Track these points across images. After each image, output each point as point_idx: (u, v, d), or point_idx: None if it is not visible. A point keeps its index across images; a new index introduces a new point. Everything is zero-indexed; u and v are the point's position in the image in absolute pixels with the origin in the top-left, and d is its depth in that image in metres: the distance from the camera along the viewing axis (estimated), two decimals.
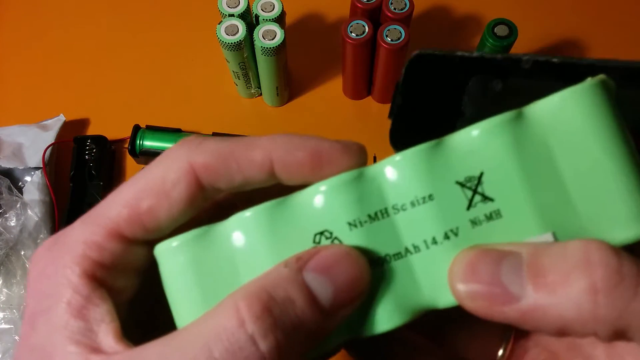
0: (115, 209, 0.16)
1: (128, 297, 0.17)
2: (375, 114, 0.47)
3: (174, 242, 0.16)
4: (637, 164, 0.15)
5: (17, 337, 0.37)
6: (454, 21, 0.51)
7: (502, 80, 0.31)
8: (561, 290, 0.13)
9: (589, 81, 0.15)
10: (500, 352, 0.19)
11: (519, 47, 0.47)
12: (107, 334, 0.15)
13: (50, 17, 0.53)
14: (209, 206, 0.19)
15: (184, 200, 0.16)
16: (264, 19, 0.40)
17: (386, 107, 0.47)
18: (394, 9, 0.40)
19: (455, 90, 0.33)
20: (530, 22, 0.48)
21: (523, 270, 0.14)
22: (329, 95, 0.48)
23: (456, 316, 0.20)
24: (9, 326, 0.37)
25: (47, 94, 0.49)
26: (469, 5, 0.51)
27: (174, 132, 0.44)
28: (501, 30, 0.39)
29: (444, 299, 0.15)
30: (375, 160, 0.38)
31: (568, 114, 0.15)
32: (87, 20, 0.53)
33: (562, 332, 0.14)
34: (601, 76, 0.15)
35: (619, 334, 0.13)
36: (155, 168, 0.16)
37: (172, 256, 0.16)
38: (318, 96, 0.48)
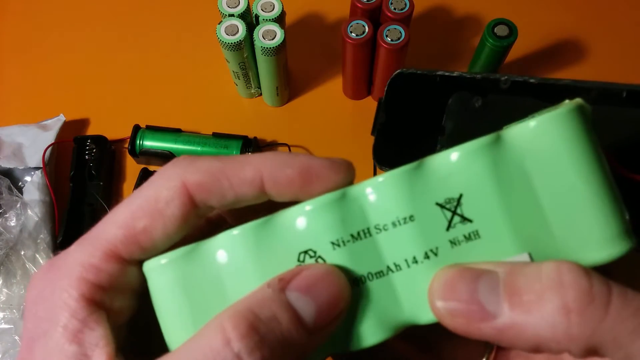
0: (111, 230, 0.16)
1: (127, 318, 0.17)
2: (374, 114, 0.47)
3: (162, 260, 0.16)
4: (611, 188, 0.15)
5: (17, 337, 0.37)
6: (454, 21, 0.51)
7: (482, 97, 0.31)
8: (536, 310, 0.14)
9: (566, 106, 0.15)
10: None
11: (519, 47, 0.47)
12: (100, 358, 0.15)
13: (51, 17, 0.53)
14: (202, 224, 0.19)
15: (178, 218, 0.16)
16: (264, 19, 0.40)
17: None
18: (394, 9, 0.40)
19: (437, 106, 0.33)
20: (530, 22, 0.48)
21: (499, 288, 0.14)
22: (329, 95, 0.48)
23: (439, 325, 0.20)
24: (9, 326, 0.37)
25: (47, 94, 0.49)
26: (469, 5, 0.51)
27: (174, 132, 0.44)
28: (501, 30, 0.39)
29: (425, 316, 0.16)
30: (374, 163, 0.38)
31: (544, 139, 0.15)
32: (87, 20, 0.53)
33: (536, 349, 0.14)
34: (577, 100, 0.16)
35: (591, 351, 0.14)
36: (148, 188, 0.17)
37: (160, 273, 0.16)
38: (318, 96, 0.48)
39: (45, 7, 0.53)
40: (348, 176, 0.17)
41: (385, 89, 0.32)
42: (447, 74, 0.30)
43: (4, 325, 0.38)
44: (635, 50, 0.48)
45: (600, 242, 0.15)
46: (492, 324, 0.14)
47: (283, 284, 0.15)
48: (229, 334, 0.14)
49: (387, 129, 0.34)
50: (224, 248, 0.16)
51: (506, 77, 0.29)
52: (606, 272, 0.15)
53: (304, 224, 0.16)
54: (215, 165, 0.16)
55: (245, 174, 0.16)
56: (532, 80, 0.28)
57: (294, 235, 0.16)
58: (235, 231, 0.16)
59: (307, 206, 0.16)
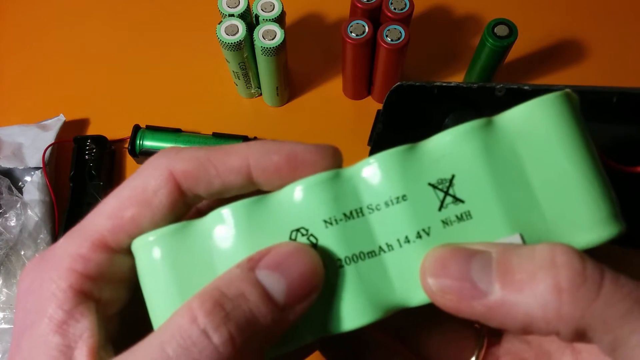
0: (99, 220, 0.16)
1: (118, 309, 0.17)
2: (375, 114, 0.47)
3: (150, 237, 0.16)
4: (600, 172, 0.16)
5: None
6: (454, 21, 0.51)
7: (478, 115, 0.33)
8: (528, 288, 0.14)
9: (554, 93, 0.16)
10: (473, 359, 0.20)
11: (519, 47, 0.47)
12: (82, 350, 0.15)
13: (50, 16, 0.53)
14: (191, 214, 0.19)
15: (166, 207, 0.16)
16: (264, 19, 0.40)
17: None
18: (394, 9, 0.40)
19: (434, 118, 0.34)
20: (531, 22, 0.48)
21: (492, 268, 0.14)
22: (329, 95, 0.48)
23: (430, 323, 0.21)
24: (9, 326, 0.37)
25: (47, 94, 0.49)
26: (469, 5, 0.51)
27: (174, 132, 0.44)
28: (501, 30, 0.39)
29: (416, 297, 0.16)
30: None
31: (535, 123, 0.16)
32: (87, 20, 0.53)
33: (526, 329, 0.14)
34: (566, 90, 0.16)
35: (580, 334, 0.14)
36: (136, 178, 0.17)
37: (148, 251, 0.16)
38: (318, 96, 0.48)
39: (45, 7, 0.53)
40: (334, 161, 0.17)
41: (384, 100, 0.32)
42: (444, 84, 0.31)
43: (4, 325, 0.38)
44: (636, 50, 0.48)
45: (590, 225, 0.15)
46: (483, 302, 0.14)
47: (252, 263, 0.15)
48: (195, 312, 0.14)
49: (383, 139, 0.34)
50: (214, 226, 0.16)
51: (501, 85, 0.30)
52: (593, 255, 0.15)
53: (297, 201, 0.16)
54: (201, 153, 0.17)
55: (231, 161, 0.16)
56: (526, 87, 0.29)
57: (286, 213, 0.16)
58: (226, 209, 0.16)
59: (300, 184, 0.16)
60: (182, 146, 0.43)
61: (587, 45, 0.49)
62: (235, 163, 0.16)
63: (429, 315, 0.19)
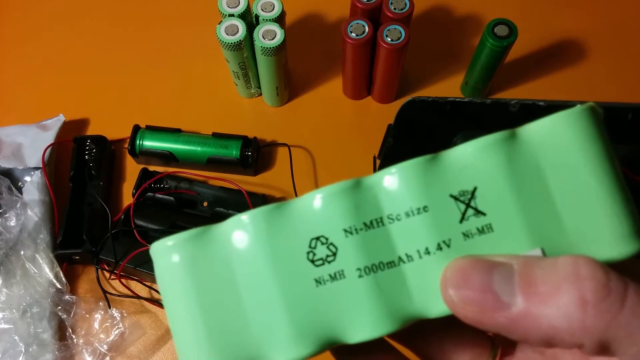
0: None
1: None
2: (375, 114, 0.47)
3: (169, 241, 0.16)
4: (623, 188, 0.15)
5: (16, 337, 0.37)
6: (454, 21, 0.51)
7: (488, 133, 0.32)
8: (552, 300, 0.14)
9: (579, 106, 0.16)
10: None
11: (519, 47, 0.47)
12: None
13: (50, 16, 0.53)
14: None
15: None
16: (264, 19, 0.40)
17: (386, 108, 0.47)
18: (394, 8, 0.40)
19: (445, 133, 0.33)
20: (531, 22, 0.48)
21: (514, 279, 0.14)
22: (329, 96, 0.48)
23: (444, 332, 0.20)
24: (8, 326, 0.37)
25: (46, 94, 0.49)
26: (469, 5, 0.51)
27: (173, 132, 0.44)
28: (501, 30, 0.39)
29: (435, 309, 0.16)
30: (374, 160, 0.38)
31: (559, 136, 0.15)
32: (86, 20, 0.53)
33: (549, 341, 0.14)
34: (591, 103, 0.16)
35: (603, 346, 0.14)
36: None
37: (166, 255, 0.16)
38: (318, 96, 0.48)
39: (44, 7, 0.53)
40: None
41: (396, 114, 0.32)
42: (457, 99, 0.31)
43: (3, 325, 0.37)
44: (637, 50, 0.48)
45: (612, 241, 0.15)
46: (506, 314, 0.14)
47: None
48: None
49: (394, 153, 0.34)
50: (234, 232, 0.16)
51: (515, 100, 0.30)
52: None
53: (317, 210, 0.16)
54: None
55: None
56: (541, 103, 0.29)
57: (306, 221, 0.16)
58: (245, 215, 0.16)
59: (320, 193, 0.16)
60: (182, 147, 0.43)
61: (588, 45, 0.49)
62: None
63: (441, 323, 0.19)
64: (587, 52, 0.48)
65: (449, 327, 0.20)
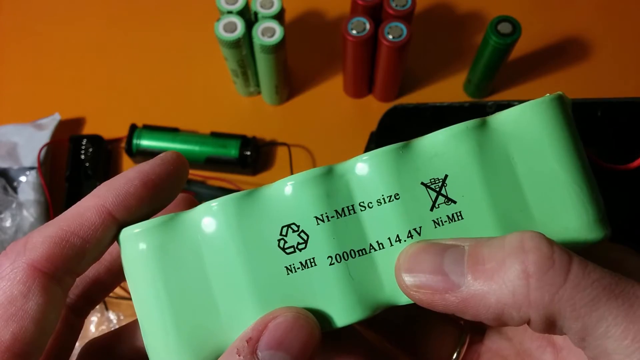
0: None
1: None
2: (376, 113, 0.46)
3: (136, 229, 0.16)
4: (589, 177, 0.16)
5: None
6: (456, 18, 0.50)
7: None
8: (497, 276, 0.14)
9: (548, 95, 0.16)
10: (454, 356, 0.21)
11: (523, 45, 0.46)
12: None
13: (46, 15, 0.52)
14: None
15: (45, 310, 0.15)
16: (263, 16, 0.40)
17: (388, 106, 0.46)
18: (396, 6, 0.39)
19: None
20: (534, 19, 0.48)
21: (464, 260, 0.15)
22: (329, 94, 0.47)
23: (413, 320, 0.21)
24: None
25: (42, 93, 0.49)
26: (472, 2, 0.50)
27: (171, 132, 0.44)
28: (504, 28, 0.39)
29: (404, 296, 0.16)
30: None
31: (527, 124, 0.16)
32: (83, 18, 0.52)
33: (500, 318, 0.14)
34: (559, 92, 0.16)
35: (550, 322, 0.14)
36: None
37: (134, 243, 0.16)
38: (318, 95, 0.47)
39: (40, 6, 0.53)
40: (177, 162, 0.17)
41: (378, 122, 0.34)
42: (437, 104, 0.33)
43: None
44: (639, 46, 0.48)
45: (578, 228, 0.16)
46: (457, 293, 0.14)
47: (253, 344, 0.15)
48: None
49: None
50: (203, 219, 0.16)
51: (492, 102, 0.31)
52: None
53: (288, 197, 0.16)
54: (51, 230, 0.15)
55: (90, 219, 0.15)
56: (515, 103, 0.30)
57: (277, 208, 0.16)
58: (214, 202, 0.16)
59: (292, 180, 0.16)
60: (180, 146, 0.43)
61: (591, 42, 0.48)
62: (94, 218, 0.16)
63: (412, 312, 0.19)
64: (591, 49, 0.48)
65: (419, 315, 0.21)
